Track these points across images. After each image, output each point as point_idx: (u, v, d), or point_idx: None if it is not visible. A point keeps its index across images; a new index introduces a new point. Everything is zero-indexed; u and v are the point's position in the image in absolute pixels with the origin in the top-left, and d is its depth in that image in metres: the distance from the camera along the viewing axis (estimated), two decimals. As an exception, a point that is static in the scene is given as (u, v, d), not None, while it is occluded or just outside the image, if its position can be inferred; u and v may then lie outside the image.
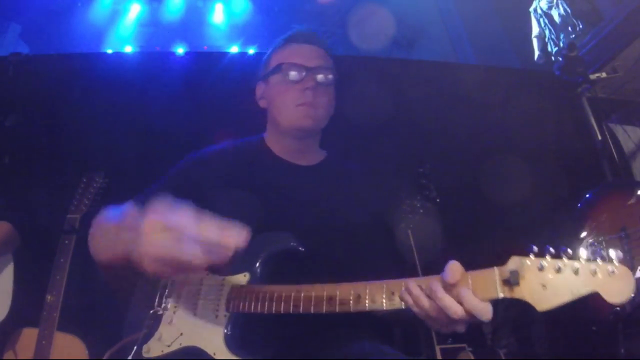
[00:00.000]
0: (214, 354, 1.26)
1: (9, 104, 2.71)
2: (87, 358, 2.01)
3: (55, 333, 1.98)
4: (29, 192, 2.54)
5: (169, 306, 1.39)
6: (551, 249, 0.93)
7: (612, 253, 0.90)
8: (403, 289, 1.03)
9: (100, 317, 2.27)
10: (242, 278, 1.33)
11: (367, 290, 1.08)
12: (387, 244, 1.53)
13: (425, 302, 0.99)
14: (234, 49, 4.74)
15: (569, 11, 3.30)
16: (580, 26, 3.22)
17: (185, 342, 1.32)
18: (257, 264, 1.34)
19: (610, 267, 0.89)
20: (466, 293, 0.95)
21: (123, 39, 4.87)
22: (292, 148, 1.57)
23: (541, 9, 3.50)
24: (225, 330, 1.27)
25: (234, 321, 1.28)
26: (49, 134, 2.80)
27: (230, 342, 1.26)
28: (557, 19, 3.38)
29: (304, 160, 1.58)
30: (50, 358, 1.94)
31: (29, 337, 2.00)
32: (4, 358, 1.98)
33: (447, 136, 3.01)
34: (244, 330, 1.30)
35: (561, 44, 3.25)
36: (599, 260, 0.90)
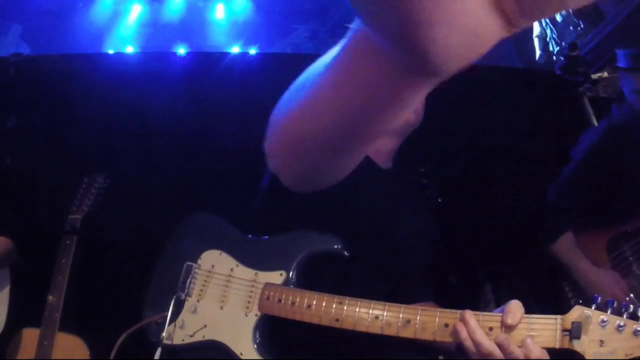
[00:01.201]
0: (241, 354, 1.20)
1: (10, 105, 2.71)
2: (89, 359, 2.01)
3: (56, 333, 1.98)
4: (30, 192, 2.54)
5: (192, 292, 1.32)
6: (615, 304, 0.92)
7: None
8: (459, 317, 0.97)
9: (102, 317, 2.28)
10: (278, 277, 1.24)
11: (418, 317, 1.01)
12: (427, 260, 1.44)
13: (481, 338, 0.94)
14: (235, 49, 4.74)
15: (570, 10, 3.29)
16: (582, 26, 3.22)
17: (209, 335, 1.25)
18: (295, 263, 1.24)
19: None
20: (531, 342, 0.91)
21: (124, 39, 4.87)
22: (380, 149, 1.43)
23: (542, 8, 3.49)
24: (255, 331, 1.21)
25: (265, 322, 1.22)
26: (50, 134, 2.81)
27: (260, 344, 1.20)
28: (558, 18, 3.37)
29: (385, 162, 1.48)
30: (52, 359, 1.94)
31: (29, 337, 2.00)
32: (5, 358, 1.98)
33: (447, 135, 3.00)
34: (275, 333, 1.23)
35: (562, 44, 3.24)
36: None
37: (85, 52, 4.27)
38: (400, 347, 1.28)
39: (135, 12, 4.94)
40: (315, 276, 1.25)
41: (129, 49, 4.75)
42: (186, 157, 2.88)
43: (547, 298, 2.10)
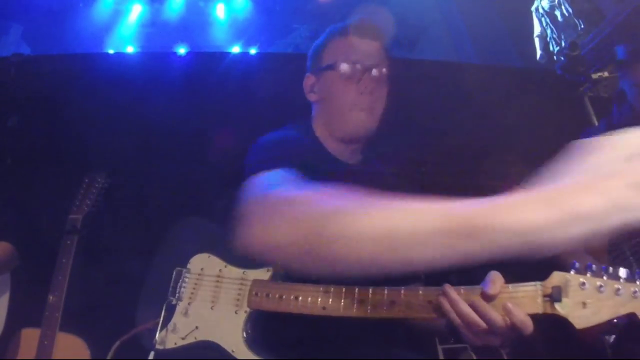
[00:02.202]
0: (233, 352, 1.21)
1: (10, 105, 2.71)
2: (89, 358, 2.01)
3: (57, 333, 1.99)
4: (31, 192, 2.54)
5: (183, 296, 1.34)
6: (593, 267, 0.93)
7: None
8: (441, 293, 1.00)
9: (102, 317, 2.28)
10: (265, 273, 1.27)
11: (402, 297, 1.03)
12: None
13: (463, 307, 0.96)
14: (236, 49, 4.75)
15: (571, 10, 3.29)
16: (582, 25, 3.21)
17: (201, 336, 1.27)
18: None
19: None
20: (511, 306, 0.93)
21: (124, 39, 4.88)
22: (342, 143, 1.46)
23: (543, 8, 3.49)
24: (246, 328, 1.23)
25: (254, 319, 1.23)
26: (50, 134, 2.81)
27: (251, 340, 1.22)
28: (559, 18, 3.37)
29: (349, 158, 1.48)
30: (52, 358, 1.94)
31: (29, 337, 2.00)
32: (5, 358, 1.98)
33: (448, 136, 3.00)
34: (265, 329, 1.25)
35: (563, 44, 3.24)
36: (638, 282, 0.90)
37: (85, 52, 4.27)
38: (389, 343, 1.32)
39: (135, 12, 4.94)
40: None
41: (130, 49, 4.76)
42: (186, 157, 2.88)
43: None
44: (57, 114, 2.80)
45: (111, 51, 4.54)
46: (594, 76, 2.75)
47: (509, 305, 0.94)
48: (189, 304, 1.33)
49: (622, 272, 0.91)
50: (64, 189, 2.35)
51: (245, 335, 1.22)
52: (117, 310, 1.56)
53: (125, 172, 2.57)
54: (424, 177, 2.75)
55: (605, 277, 0.92)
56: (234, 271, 1.32)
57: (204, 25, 5.10)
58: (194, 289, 1.35)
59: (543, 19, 3.49)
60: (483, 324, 0.95)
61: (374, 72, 1.39)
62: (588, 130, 2.02)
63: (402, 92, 3.07)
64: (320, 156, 1.43)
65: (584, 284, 0.92)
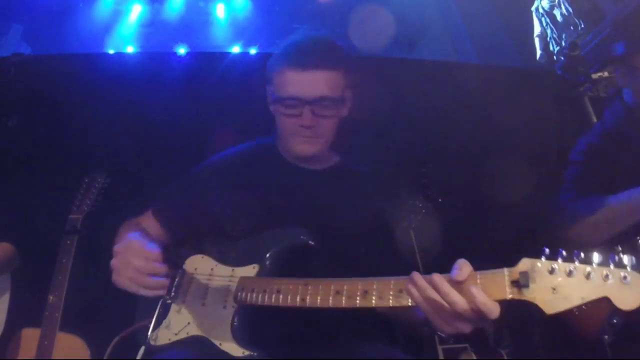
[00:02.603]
0: (220, 345, 1.27)
1: (10, 105, 2.71)
2: (89, 358, 2.01)
3: (57, 333, 1.99)
4: (31, 192, 2.54)
5: (178, 295, 1.40)
6: (564, 252, 0.92)
7: (626, 259, 0.88)
8: (409, 281, 1.02)
9: (102, 317, 2.28)
10: (251, 270, 1.33)
11: (375, 286, 1.07)
12: (391, 245, 1.53)
13: (431, 293, 0.98)
14: (236, 49, 4.74)
15: (571, 10, 3.29)
16: (582, 25, 3.22)
17: (193, 331, 1.33)
18: (267, 257, 1.34)
19: (622, 273, 0.87)
20: (475, 289, 0.94)
21: (124, 39, 4.87)
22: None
23: (543, 8, 3.49)
24: (233, 322, 1.28)
25: (241, 313, 1.29)
26: (50, 134, 2.81)
27: (237, 333, 1.27)
28: (559, 18, 3.37)
29: (315, 165, 1.58)
30: (52, 358, 1.95)
31: (29, 337, 2.00)
32: (5, 358, 1.98)
33: (448, 136, 3.01)
34: (251, 323, 1.30)
35: (563, 43, 3.24)
36: (611, 265, 0.89)
37: (85, 52, 4.27)
38: (370, 336, 1.38)
39: (135, 12, 4.94)
40: (287, 268, 1.34)
41: (130, 49, 4.75)
42: (186, 157, 2.87)
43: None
44: (57, 114, 2.80)
45: (111, 51, 4.54)
46: (594, 76, 2.75)
47: (473, 288, 0.95)
48: (183, 302, 1.39)
49: (596, 256, 0.90)
50: (64, 189, 2.35)
51: (232, 329, 1.27)
52: (117, 310, 1.57)
53: (125, 172, 2.57)
54: (424, 177, 2.75)
55: (576, 262, 0.90)
56: (224, 269, 1.39)
57: (204, 25, 5.09)
58: (188, 287, 1.41)
59: (543, 19, 3.49)
60: (450, 308, 0.97)
61: (316, 104, 1.44)
62: (585, 135, 2.03)
63: (402, 92, 3.07)
64: (277, 166, 1.56)
65: (553, 269, 0.91)
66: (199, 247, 1.49)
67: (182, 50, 4.13)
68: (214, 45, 5.03)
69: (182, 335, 1.34)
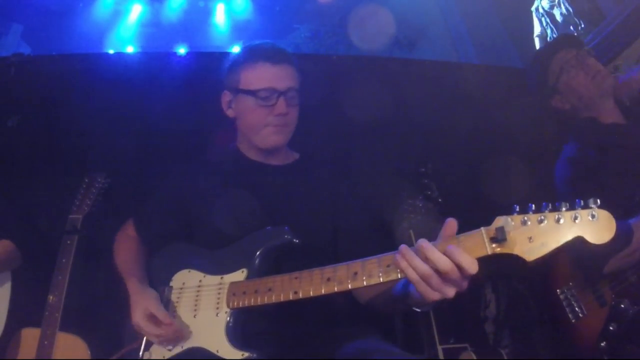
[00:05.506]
0: (217, 351, 1.28)
1: (10, 105, 2.71)
2: (89, 358, 2.01)
3: (57, 333, 1.99)
4: (31, 192, 2.54)
5: (168, 311, 1.40)
6: (533, 206, 0.99)
7: (591, 201, 0.94)
8: (397, 253, 1.07)
9: (103, 317, 2.28)
10: (240, 275, 1.35)
11: (362, 267, 1.12)
12: (378, 238, 1.60)
13: (418, 261, 1.04)
14: (236, 49, 4.75)
15: (571, 10, 3.30)
16: (582, 25, 3.22)
17: (188, 344, 1.34)
18: (255, 260, 1.36)
19: (590, 212, 0.93)
20: (455, 247, 1.00)
21: (124, 39, 4.88)
22: (263, 152, 1.66)
23: (543, 8, 3.50)
24: (227, 327, 1.29)
25: (235, 317, 1.31)
26: (50, 134, 2.80)
27: (233, 338, 1.28)
28: (558, 18, 3.38)
29: (276, 161, 1.68)
30: (52, 358, 1.95)
31: (29, 337, 2.00)
32: (5, 358, 1.98)
33: (449, 136, 3.00)
34: (246, 326, 1.32)
35: (563, 43, 3.24)
36: (579, 208, 0.94)
37: (85, 52, 4.27)
38: (368, 335, 1.41)
39: (135, 12, 4.94)
40: (276, 268, 1.37)
41: (130, 49, 4.76)
42: (186, 157, 2.87)
43: (546, 297, 2.10)
44: (57, 114, 2.79)
45: (111, 51, 4.54)
46: (594, 76, 2.74)
47: (451, 246, 1.01)
48: (173, 317, 1.39)
49: (564, 204, 0.96)
50: (64, 189, 2.35)
51: (227, 334, 1.29)
52: (117, 310, 1.57)
53: (125, 172, 2.57)
54: (423, 176, 2.75)
55: (546, 211, 0.97)
56: (213, 279, 1.40)
57: (204, 25, 5.10)
58: (177, 302, 1.42)
59: (543, 19, 3.50)
60: (435, 276, 1.02)
61: (288, 94, 1.57)
62: (558, 166, 2.08)
63: (401, 92, 3.07)
64: (244, 166, 1.65)
65: (525, 221, 0.97)
66: (184, 261, 1.51)
67: (182, 50, 4.14)
68: (214, 45, 5.03)
69: (177, 350, 1.34)
